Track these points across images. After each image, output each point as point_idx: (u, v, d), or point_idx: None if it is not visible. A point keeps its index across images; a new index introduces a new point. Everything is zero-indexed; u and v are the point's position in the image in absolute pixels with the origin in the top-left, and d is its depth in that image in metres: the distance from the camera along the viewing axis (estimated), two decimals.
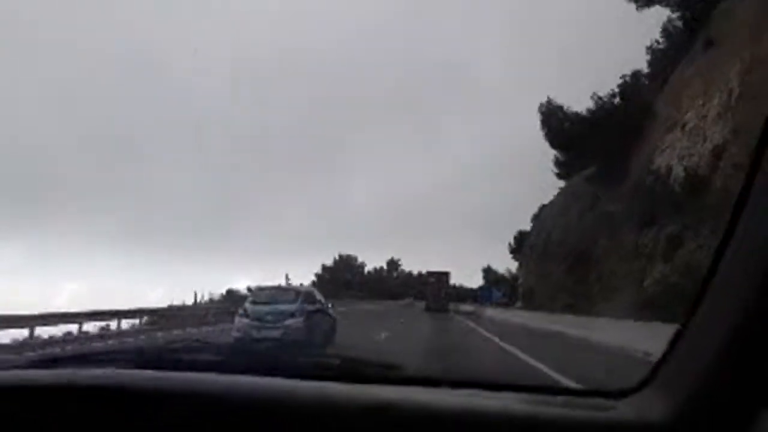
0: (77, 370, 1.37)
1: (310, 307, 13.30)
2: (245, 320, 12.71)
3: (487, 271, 74.85)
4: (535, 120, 32.87)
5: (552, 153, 41.03)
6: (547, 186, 46.94)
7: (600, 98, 29.41)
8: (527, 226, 52.99)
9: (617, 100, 29.10)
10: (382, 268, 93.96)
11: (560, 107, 31.79)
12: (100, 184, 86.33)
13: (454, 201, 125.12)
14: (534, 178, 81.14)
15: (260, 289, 14.36)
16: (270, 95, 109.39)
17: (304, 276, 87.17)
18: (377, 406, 1.11)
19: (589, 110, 29.74)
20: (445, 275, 53.10)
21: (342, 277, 74.39)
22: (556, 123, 31.50)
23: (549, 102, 32.08)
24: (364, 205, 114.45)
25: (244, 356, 1.81)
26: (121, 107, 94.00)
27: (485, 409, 1.14)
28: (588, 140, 28.88)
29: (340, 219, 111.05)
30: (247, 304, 13.30)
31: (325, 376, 1.32)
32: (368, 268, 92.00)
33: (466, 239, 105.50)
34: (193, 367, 1.38)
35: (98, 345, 13.22)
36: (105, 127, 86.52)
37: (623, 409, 1.13)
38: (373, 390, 1.23)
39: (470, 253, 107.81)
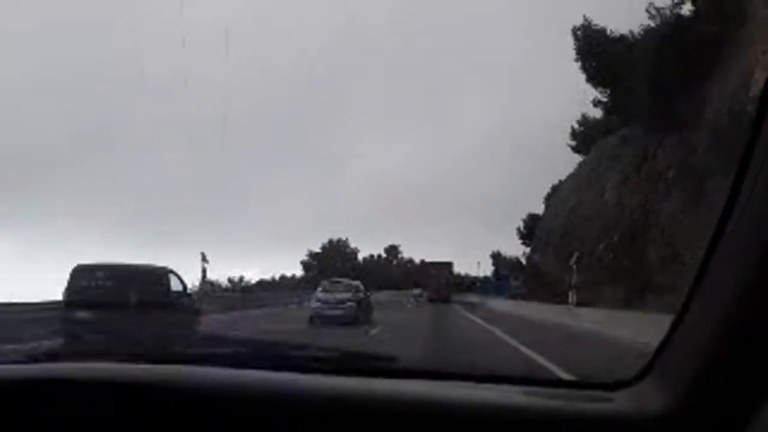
0: (73, 364, 1.40)
1: (360, 296, 21.04)
2: (317, 303, 19.93)
3: (497, 258, 66.32)
4: (544, 98, 24.63)
5: (568, 125, 34.21)
6: (561, 163, 40.02)
7: (658, 10, 21.06)
8: (538, 208, 49.60)
9: (687, 7, 20.63)
10: (380, 255, 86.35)
11: (602, 30, 23.36)
12: (90, 175, 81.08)
13: (457, 184, 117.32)
14: (545, 157, 71.92)
15: (327, 282, 21.98)
16: (263, 74, 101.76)
17: (293, 266, 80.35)
18: (376, 399, 1.15)
19: (643, 28, 21.39)
20: (448, 265, 52.22)
21: (332, 265, 66.53)
22: (597, 51, 23.04)
23: (586, 25, 23.58)
24: (361, 189, 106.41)
25: (245, 350, 1.79)
26: (112, 97, 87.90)
27: (482, 401, 1.15)
28: (641, 70, 20.64)
29: (336, 204, 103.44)
30: (318, 293, 20.63)
31: (325, 370, 1.36)
32: (363, 254, 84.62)
33: (471, 224, 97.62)
34: (191, 360, 1.42)
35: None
36: (97, 118, 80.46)
37: (621, 401, 1.12)
38: (372, 383, 1.27)
39: (476, 238, 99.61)
